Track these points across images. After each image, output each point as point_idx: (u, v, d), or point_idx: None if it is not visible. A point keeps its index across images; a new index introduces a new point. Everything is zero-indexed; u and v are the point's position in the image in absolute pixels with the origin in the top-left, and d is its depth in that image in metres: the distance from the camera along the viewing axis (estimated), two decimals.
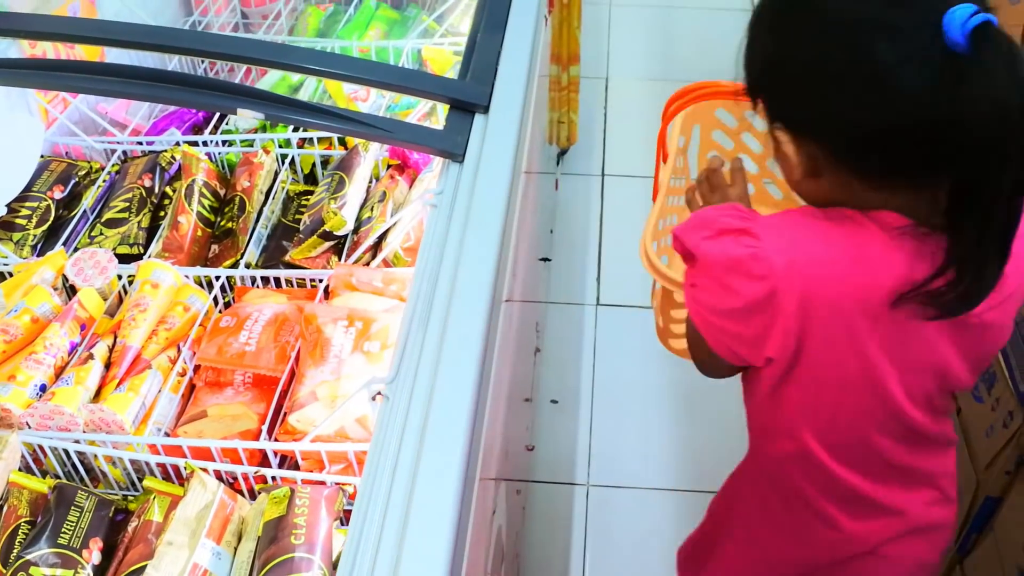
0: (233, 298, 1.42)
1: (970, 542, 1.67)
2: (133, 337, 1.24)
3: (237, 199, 1.53)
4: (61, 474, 1.19)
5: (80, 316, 1.28)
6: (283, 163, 1.64)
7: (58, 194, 1.53)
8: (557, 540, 2.14)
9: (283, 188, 1.59)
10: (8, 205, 1.48)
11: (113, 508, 1.11)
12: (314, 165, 1.67)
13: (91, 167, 1.62)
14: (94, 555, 1.04)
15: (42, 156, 1.60)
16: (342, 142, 1.66)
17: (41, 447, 1.16)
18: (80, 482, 1.19)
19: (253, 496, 1.15)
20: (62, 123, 1.69)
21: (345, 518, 1.07)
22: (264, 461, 1.17)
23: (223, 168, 1.65)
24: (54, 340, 1.23)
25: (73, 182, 1.57)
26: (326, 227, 1.43)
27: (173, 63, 1.86)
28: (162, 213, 1.54)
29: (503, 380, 1.29)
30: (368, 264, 1.41)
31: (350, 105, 1.77)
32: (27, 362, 1.20)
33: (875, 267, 0.94)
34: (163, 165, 1.58)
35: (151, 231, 1.51)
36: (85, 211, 1.52)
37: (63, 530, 1.04)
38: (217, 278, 1.40)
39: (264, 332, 1.27)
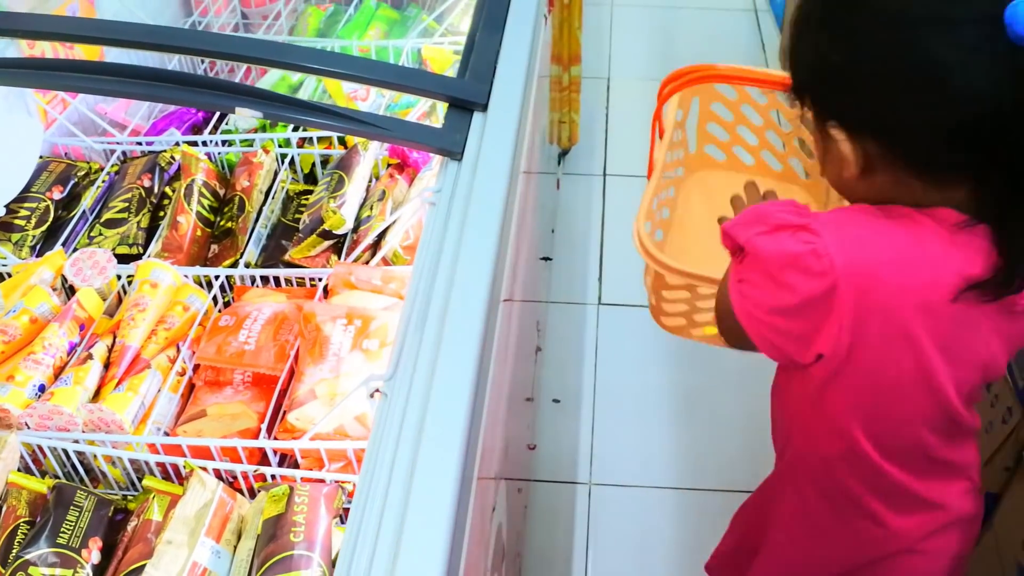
0: (233, 298, 1.42)
1: None
2: (132, 337, 1.24)
3: (237, 199, 1.53)
4: (61, 474, 1.19)
5: (79, 316, 1.28)
6: (283, 163, 1.64)
7: (57, 195, 1.53)
8: (559, 539, 2.14)
9: (283, 188, 1.59)
10: (7, 206, 1.48)
11: (112, 508, 1.11)
12: (314, 165, 1.67)
13: (90, 167, 1.62)
14: (93, 554, 1.04)
15: (41, 157, 1.60)
16: (342, 141, 1.66)
17: (40, 447, 1.16)
18: (80, 482, 1.19)
19: (253, 495, 1.15)
20: (61, 124, 1.69)
21: (344, 516, 1.07)
22: (264, 460, 1.17)
23: (223, 168, 1.65)
24: (53, 340, 1.23)
25: (72, 183, 1.57)
26: (325, 226, 1.43)
27: (173, 63, 1.86)
28: (161, 213, 1.54)
29: (503, 378, 1.29)
30: (367, 263, 1.41)
31: (350, 104, 1.77)
32: (26, 362, 1.20)
33: (934, 264, 0.94)
34: (162, 165, 1.58)
35: (150, 231, 1.51)
36: (84, 212, 1.52)
37: (62, 530, 1.04)
38: (216, 278, 1.40)
39: (263, 331, 1.27)
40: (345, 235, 1.47)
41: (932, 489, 1.11)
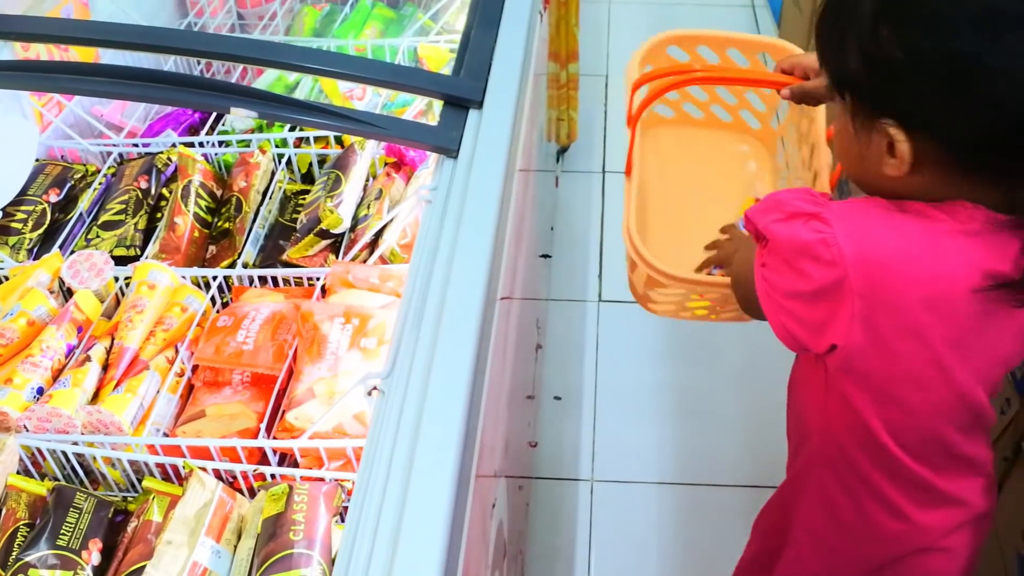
0: (231, 298, 1.42)
1: None
2: (130, 338, 1.24)
3: (234, 199, 1.53)
4: (60, 477, 1.19)
5: (77, 318, 1.27)
6: (280, 163, 1.64)
7: (54, 197, 1.53)
8: (562, 536, 2.14)
9: (280, 188, 1.59)
10: (4, 209, 1.48)
11: (112, 509, 1.11)
12: (311, 165, 1.67)
13: (87, 170, 1.62)
14: (93, 556, 1.04)
15: (37, 160, 1.60)
16: (339, 141, 1.66)
17: (40, 450, 1.16)
18: (80, 484, 1.19)
19: (253, 494, 1.14)
20: (57, 126, 1.69)
21: (344, 514, 1.07)
22: (263, 459, 1.17)
23: (220, 169, 1.65)
24: (51, 343, 1.23)
25: (69, 185, 1.57)
26: (323, 225, 1.43)
27: (168, 65, 1.86)
28: (159, 215, 1.54)
29: (502, 376, 1.29)
30: (365, 261, 1.41)
31: (346, 104, 1.77)
32: (24, 365, 1.20)
33: (946, 259, 0.93)
34: (159, 167, 1.58)
35: (148, 233, 1.51)
36: (81, 214, 1.52)
37: (62, 531, 1.04)
38: (214, 278, 1.40)
39: (261, 331, 1.27)
40: (342, 234, 1.47)
41: (953, 485, 1.10)
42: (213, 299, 1.38)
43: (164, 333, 1.27)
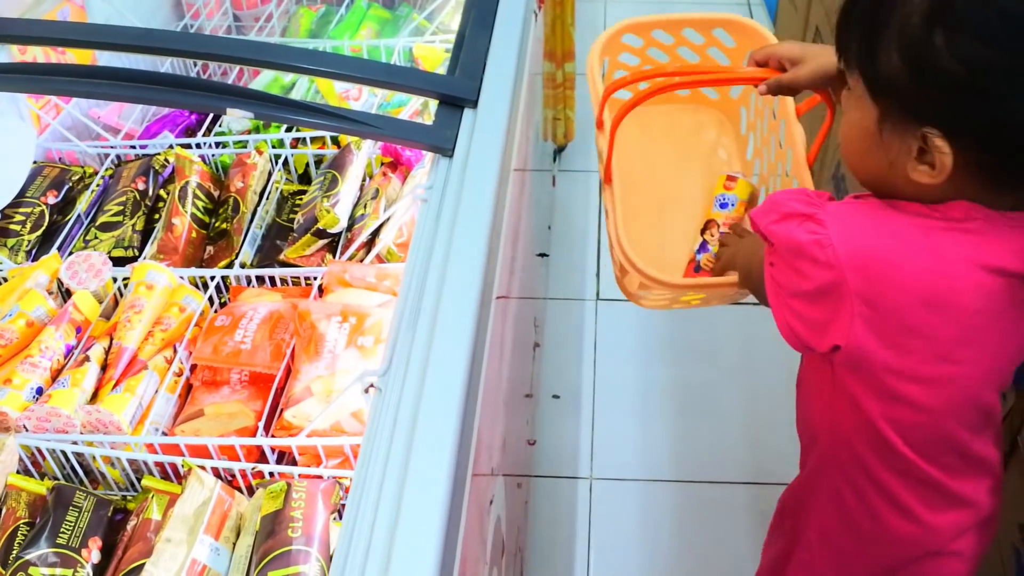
0: (228, 298, 1.42)
1: None
2: (129, 338, 1.25)
3: (231, 200, 1.53)
4: (60, 476, 1.19)
5: (75, 319, 1.28)
6: (276, 163, 1.64)
7: (52, 199, 1.54)
8: (561, 533, 2.14)
9: (277, 188, 1.60)
10: (2, 211, 1.48)
11: (112, 508, 1.11)
12: (307, 165, 1.67)
13: (85, 172, 1.63)
14: (93, 554, 1.04)
15: (35, 162, 1.61)
16: (335, 141, 1.67)
17: (39, 449, 1.16)
18: (79, 484, 1.19)
19: (251, 492, 1.15)
20: (55, 129, 1.70)
21: (342, 511, 1.07)
22: (261, 457, 1.18)
23: (217, 170, 1.66)
24: (49, 343, 1.23)
25: (67, 187, 1.57)
26: (319, 225, 1.43)
27: (165, 67, 1.87)
28: (156, 216, 1.55)
29: (498, 373, 1.29)
30: (362, 260, 1.42)
31: (342, 104, 1.77)
32: (23, 365, 1.20)
33: (948, 257, 0.93)
34: (156, 168, 1.58)
35: (145, 234, 1.52)
36: (79, 216, 1.53)
37: (62, 530, 1.04)
38: (212, 278, 1.40)
39: (259, 330, 1.28)
40: (339, 234, 1.48)
41: (964, 485, 1.08)
42: (211, 299, 1.39)
43: (162, 333, 1.28)
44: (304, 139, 1.67)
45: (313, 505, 1.04)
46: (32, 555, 1.00)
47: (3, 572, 1.00)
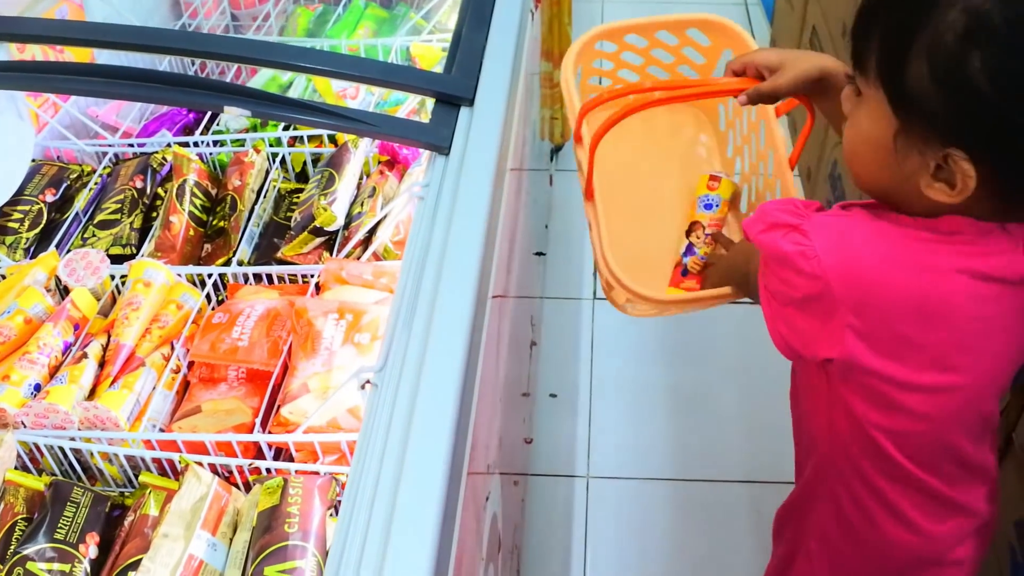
0: (226, 295, 1.43)
1: None
2: (126, 335, 1.25)
3: (229, 198, 1.54)
4: (58, 472, 1.20)
5: (73, 316, 1.29)
6: (274, 162, 1.65)
7: (50, 197, 1.54)
8: (557, 531, 2.15)
9: (274, 186, 1.61)
10: (0, 209, 1.49)
11: (109, 503, 1.12)
12: (305, 163, 1.68)
13: (83, 170, 1.63)
14: (91, 549, 1.05)
15: (34, 160, 1.61)
16: (332, 140, 1.67)
17: (37, 446, 1.17)
18: (77, 480, 1.20)
19: (248, 489, 1.16)
20: (53, 127, 1.70)
21: (339, 507, 1.08)
22: (258, 454, 1.18)
23: (214, 168, 1.66)
24: (47, 340, 1.24)
25: (65, 185, 1.58)
26: (317, 223, 1.44)
27: (163, 65, 1.87)
28: (154, 214, 1.55)
29: (495, 371, 1.30)
30: (359, 258, 1.42)
31: (339, 103, 1.78)
32: (21, 362, 1.21)
33: (939, 265, 0.93)
34: (154, 166, 1.59)
35: (143, 232, 1.52)
36: (77, 214, 1.54)
37: (59, 526, 1.05)
38: (210, 276, 1.41)
39: (256, 327, 1.28)
40: (336, 232, 1.48)
41: (963, 494, 1.08)
42: (208, 296, 1.40)
43: (160, 330, 1.28)
44: (302, 137, 1.68)
45: (310, 501, 1.05)
46: (30, 550, 1.01)
47: (1, 568, 1.00)
